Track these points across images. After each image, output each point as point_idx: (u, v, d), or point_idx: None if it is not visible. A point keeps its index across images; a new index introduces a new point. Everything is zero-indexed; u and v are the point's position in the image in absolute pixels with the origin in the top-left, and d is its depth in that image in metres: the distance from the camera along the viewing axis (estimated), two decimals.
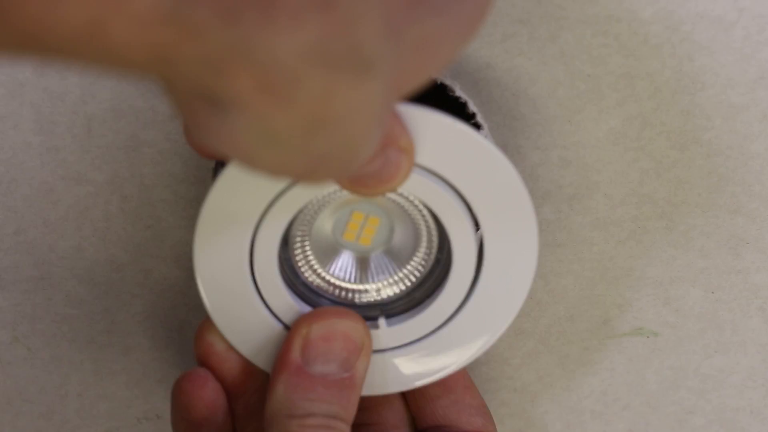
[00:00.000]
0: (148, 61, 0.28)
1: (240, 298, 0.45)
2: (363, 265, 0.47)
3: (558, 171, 0.48)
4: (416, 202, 0.44)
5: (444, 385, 0.49)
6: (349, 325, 0.46)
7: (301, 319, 0.46)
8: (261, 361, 0.47)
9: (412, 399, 0.50)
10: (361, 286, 0.47)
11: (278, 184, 0.42)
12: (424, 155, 0.42)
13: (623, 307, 0.51)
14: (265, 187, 0.42)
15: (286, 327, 0.46)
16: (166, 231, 0.50)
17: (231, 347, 0.47)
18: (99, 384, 0.54)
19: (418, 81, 0.34)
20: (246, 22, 0.28)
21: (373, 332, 0.46)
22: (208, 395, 0.48)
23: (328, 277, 0.46)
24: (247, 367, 0.48)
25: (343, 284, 0.47)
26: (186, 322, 0.52)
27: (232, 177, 0.42)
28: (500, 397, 0.54)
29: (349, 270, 0.47)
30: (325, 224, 0.46)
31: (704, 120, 0.47)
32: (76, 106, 0.47)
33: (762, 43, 0.45)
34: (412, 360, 0.47)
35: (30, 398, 0.54)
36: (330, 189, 0.43)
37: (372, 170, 0.39)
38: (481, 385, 0.53)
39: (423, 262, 0.46)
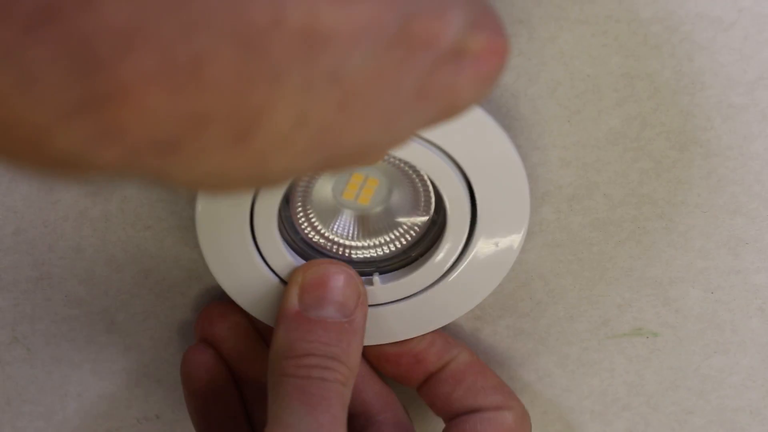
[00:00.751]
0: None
1: (240, 255, 0.47)
2: (361, 223, 0.48)
3: (558, 171, 0.48)
4: (413, 166, 0.46)
5: (454, 377, 0.49)
6: (343, 270, 0.47)
7: (296, 270, 0.47)
8: (265, 317, 0.48)
9: (429, 399, 0.50)
10: (357, 243, 0.49)
11: None
12: None
13: (623, 307, 0.51)
14: None
15: (285, 283, 0.48)
16: (166, 231, 0.50)
17: (229, 330, 0.49)
18: (99, 384, 0.54)
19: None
20: (147, 160, 0.29)
21: (367, 287, 0.48)
22: (207, 359, 0.49)
23: (327, 234, 0.48)
24: (247, 349, 0.49)
25: (341, 240, 0.48)
26: (186, 322, 0.52)
27: None
28: None
29: (347, 228, 0.48)
30: (325, 183, 0.47)
31: (704, 120, 0.47)
32: None
33: (762, 43, 0.45)
34: (404, 314, 0.49)
35: (30, 398, 0.54)
36: None
37: None
38: None
39: (419, 222, 0.48)
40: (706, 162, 0.48)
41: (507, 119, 0.47)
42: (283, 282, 0.48)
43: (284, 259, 0.47)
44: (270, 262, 0.47)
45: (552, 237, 0.49)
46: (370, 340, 0.49)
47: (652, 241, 0.49)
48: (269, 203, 0.45)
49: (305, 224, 0.48)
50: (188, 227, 0.50)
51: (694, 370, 0.52)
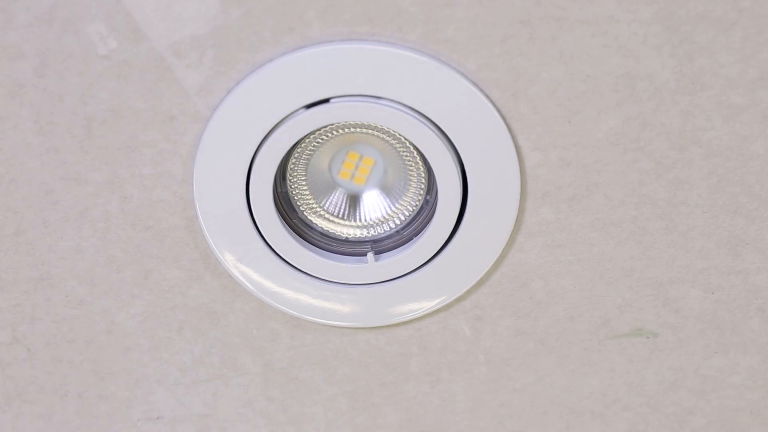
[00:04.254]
0: None
1: (240, 234, 0.48)
2: (356, 203, 0.49)
3: (558, 171, 0.48)
4: (408, 145, 0.47)
5: None
6: None
7: None
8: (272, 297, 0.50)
9: None
10: (353, 223, 0.50)
11: (269, 121, 0.45)
12: (418, 100, 0.45)
13: (623, 308, 0.51)
14: (259, 121, 0.46)
15: (285, 261, 0.49)
16: (166, 231, 0.50)
17: None
18: (99, 384, 0.54)
19: None
20: None
21: (362, 266, 0.49)
22: None
23: (321, 212, 0.49)
24: None
25: (336, 220, 0.50)
26: (186, 322, 0.52)
27: (227, 115, 0.45)
28: (500, 397, 0.54)
29: (341, 206, 0.49)
30: (321, 161, 0.48)
31: (704, 120, 0.47)
32: (76, 107, 0.47)
33: (762, 43, 0.45)
34: (401, 293, 0.50)
35: (30, 398, 0.54)
36: (324, 126, 0.46)
37: None
38: (481, 385, 0.53)
39: (412, 203, 0.49)
40: (706, 162, 0.48)
41: (507, 119, 0.47)
42: (287, 263, 0.49)
43: (284, 237, 0.48)
44: (272, 244, 0.49)
45: (552, 237, 0.49)
46: (369, 322, 0.50)
47: (653, 242, 0.50)
48: (265, 175, 0.47)
49: (300, 201, 0.49)
50: (188, 227, 0.50)
51: (694, 371, 0.52)
